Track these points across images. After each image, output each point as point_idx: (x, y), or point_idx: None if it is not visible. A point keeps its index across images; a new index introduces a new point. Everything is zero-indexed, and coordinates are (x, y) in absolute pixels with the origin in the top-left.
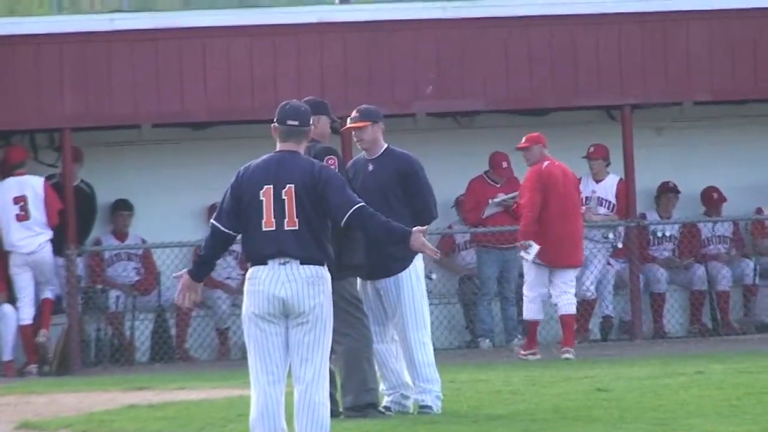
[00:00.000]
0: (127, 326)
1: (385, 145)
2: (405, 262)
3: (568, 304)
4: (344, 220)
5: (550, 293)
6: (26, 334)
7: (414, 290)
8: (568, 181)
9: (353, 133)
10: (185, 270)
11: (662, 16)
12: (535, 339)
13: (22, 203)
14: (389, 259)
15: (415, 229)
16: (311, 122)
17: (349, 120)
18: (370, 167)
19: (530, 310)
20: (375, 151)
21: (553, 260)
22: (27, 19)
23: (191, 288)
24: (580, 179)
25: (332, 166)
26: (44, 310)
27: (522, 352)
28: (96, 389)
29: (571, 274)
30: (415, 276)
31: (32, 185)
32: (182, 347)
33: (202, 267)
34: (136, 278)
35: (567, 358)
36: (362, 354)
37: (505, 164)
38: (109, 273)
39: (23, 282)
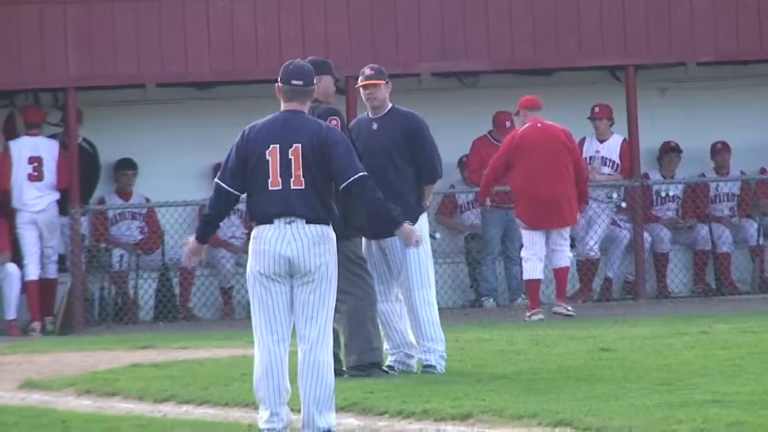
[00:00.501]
0: (131, 285)
1: (390, 105)
2: (410, 221)
3: (559, 259)
4: (344, 185)
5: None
6: (31, 291)
7: (419, 249)
8: (550, 144)
9: (365, 90)
10: (191, 236)
11: None
12: (536, 299)
13: (36, 164)
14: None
15: (406, 224)
16: (315, 82)
17: (361, 78)
18: (375, 126)
19: (527, 270)
20: (381, 110)
21: (535, 222)
22: None
23: (197, 252)
24: (583, 139)
25: (335, 126)
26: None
27: (527, 313)
28: (99, 348)
29: (562, 234)
30: (420, 235)
31: (48, 147)
32: (186, 306)
33: (206, 228)
34: (140, 237)
35: (557, 312)
36: (366, 313)
37: (509, 123)
38: (113, 232)
39: (30, 239)
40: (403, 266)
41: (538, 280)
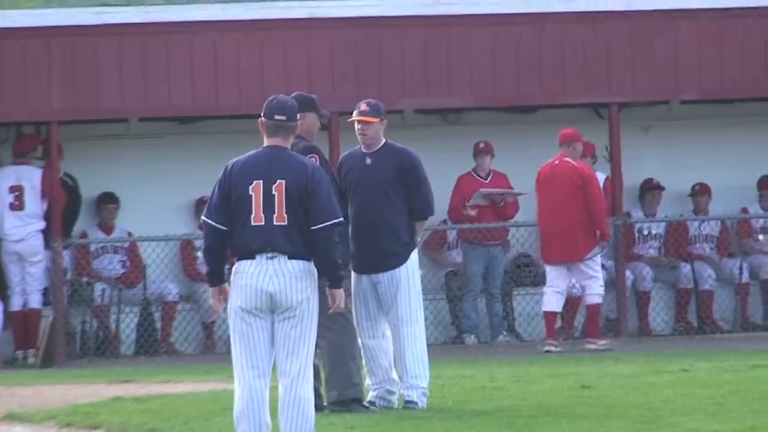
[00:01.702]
0: (113, 319)
1: (384, 140)
2: (402, 257)
3: (587, 295)
4: (317, 227)
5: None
6: (15, 322)
7: (410, 285)
8: (557, 180)
9: (358, 125)
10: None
11: (650, 14)
12: (551, 331)
13: (17, 193)
14: (386, 254)
15: (337, 291)
16: (298, 118)
17: (355, 112)
18: (368, 161)
19: (543, 303)
20: (374, 146)
21: (544, 255)
22: (14, 12)
23: (218, 295)
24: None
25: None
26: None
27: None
28: (81, 381)
29: (582, 269)
30: (411, 271)
31: (30, 176)
32: (167, 340)
33: (211, 268)
34: (122, 271)
35: (587, 349)
36: (346, 349)
37: (482, 145)
38: (95, 265)
39: (13, 270)
40: (393, 302)
41: (553, 313)
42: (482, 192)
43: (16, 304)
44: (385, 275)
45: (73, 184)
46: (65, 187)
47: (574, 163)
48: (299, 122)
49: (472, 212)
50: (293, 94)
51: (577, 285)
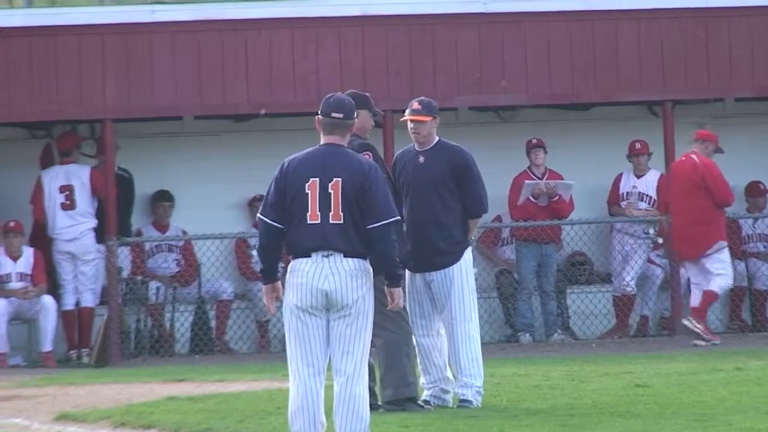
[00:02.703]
0: (167, 318)
1: (437, 138)
2: (455, 255)
3: (709, 282)
4: (373, 225)
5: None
6: (68, 321)
7: (463, 284)
8: (679, 177)
9: (411, 124)
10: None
11: (704, 11)
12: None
13: (67, 192)
14: (439, 253)
15: (395, 290)
16: (355, 115)
17: (408, 111)
18: (422, 159)
19: (691, 300)
20: (428, 144)
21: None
22: (69, 9)
23: (271, 293)
24: (620, 175)
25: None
26: (83, 321)
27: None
28: (135, 381)
29: (707, 263)
30: (465, 269)
31: (79, 175)
32: (222, 339)
33: (265, 265)
34: (177, 269)
35: (684, 325)
36: (401, 348)
37: (535, 140)
38: (150, 264)
39: (65, 269)
40: (447, 301)
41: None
42: (529, 184)
43: (68, 303)
44: (438, 274)
45: (128, 177)
46: (119, 180)
47: (696, 159)
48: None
49: (534, 199)
50: (347, 92)
51: (631, 283)
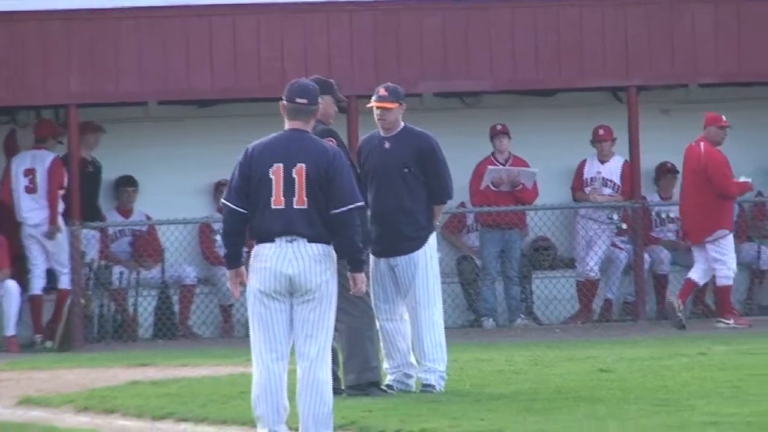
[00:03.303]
0: (131, 302)
1: (403, 124)
2: (420, 241)
3: (717, 277)
4: (337, 211)
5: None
6: (35, 305)
7: (428, 269)
8: (687, 163)
9: (376, 110)
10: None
11: None
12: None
13: (31, 176)
14: (404, 238)
15: (358, 275)
16: (319, 101)
17: (374, 97)
18: (387, 145)
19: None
20: (393, 130)
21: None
22: None
23: (236, 277)
24: (584, 161)
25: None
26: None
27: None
28: (98, 365)
29: (708, 252)
30: (429, 255)
31: (43, 160)
32: (185, 324)
33: (229, 250)
34: (141, 255)
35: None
36: (364, 332)
37: (499, 127)
38: (113, 249)
39: (33, 252)
40: (411, 286)
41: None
42: (492, 170)
43: (36, 288)
44: (402, 259)
45: (93, 170)
46: (86, 170)
47: (701, 147)
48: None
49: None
50: (311, 78)
51: (595, 269)
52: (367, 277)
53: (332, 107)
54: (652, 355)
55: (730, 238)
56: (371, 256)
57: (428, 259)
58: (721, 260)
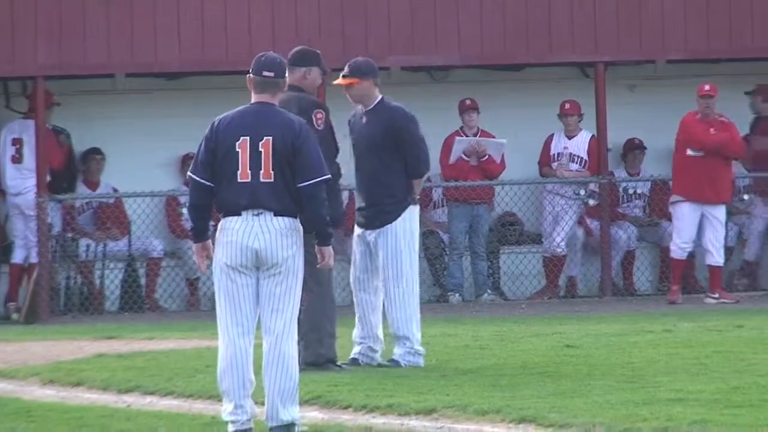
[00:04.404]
0: (97, 275)
1: (379, 97)
2: (395, 214)
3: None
4: (303, 184)
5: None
6: (13, 274)
7: (403, 243)
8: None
9: (343, 87)
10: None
11: None
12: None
13: (18, 146)
14: (381, 211)
15: (325, 249)
16: (287, 74)
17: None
18: (364, 119)
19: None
20: (369, 104)
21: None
22: None
23: (203, 250)
24: (551, 136)
25: (320, 120)
26: (12, 276)
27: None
28: (65, 338)
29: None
30: (406, 228)
31: (29, 130)
32: (152, 297)
33: (196, 224)
34: (107, 226)
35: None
36: (325, 310)
37: (468, 101)
38: (80, 221)
39: (17, 224)
40: (386, 258)
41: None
42: (461, 141)
43: (17, 257)
44: (379, 231)
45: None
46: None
47: (687, 114)
48: (306, 76)
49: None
50: (299, 48)
51: (561, 244)
52: (335, 251)
53: (319, 79)
54: (618, 331)
55: (682, 204)
56: (355, 227)
57: (405, 232)
58: (674, 228)
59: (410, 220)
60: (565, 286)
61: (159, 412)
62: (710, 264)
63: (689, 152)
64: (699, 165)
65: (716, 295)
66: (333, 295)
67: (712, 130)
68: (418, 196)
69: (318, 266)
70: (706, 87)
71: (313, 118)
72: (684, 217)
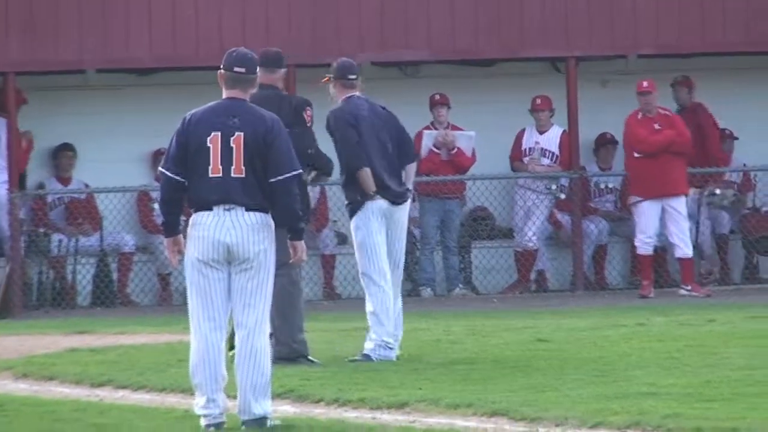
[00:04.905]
0: (69, 270)
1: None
2: (353, 205)
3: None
4: (275, 179)
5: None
6: None
7: (356, 237)
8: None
9: None
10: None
11: None
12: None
13: None
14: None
15: (298, 243)
16: (257, 71)
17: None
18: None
19: None
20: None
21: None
22: None
23: (174, 245)
24: (523, 130)
25: (309, 117)
26: None
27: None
28: (37, 332)
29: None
30: (357, 223)
31: (2, 126)
32: (124, 292)
33: (167, 219)
34: (79, 222)
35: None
36: (294, 303)
37: (438, 96)
38: (52, 217)
39: None
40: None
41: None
42: (429, 134)
43: None
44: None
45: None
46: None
47: (630, 114)
48: (279, 76)
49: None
50: (275, 50)
51: (533, 239)
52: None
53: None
54: (591, 325)
55: (641, 204)
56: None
57: (355, 227)
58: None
59: (368, 213)
60: (534, 280)
61: (132, 406)
62: (679, 257)
63: (636, 155)
64: (650, 164)
65: (689, 287)
66: (301, 287)
67: (656, 125)
68: (371, 192)
69: (291, 261)
70: (644, 83)
71: (305, 115)
72: (644, 213)
